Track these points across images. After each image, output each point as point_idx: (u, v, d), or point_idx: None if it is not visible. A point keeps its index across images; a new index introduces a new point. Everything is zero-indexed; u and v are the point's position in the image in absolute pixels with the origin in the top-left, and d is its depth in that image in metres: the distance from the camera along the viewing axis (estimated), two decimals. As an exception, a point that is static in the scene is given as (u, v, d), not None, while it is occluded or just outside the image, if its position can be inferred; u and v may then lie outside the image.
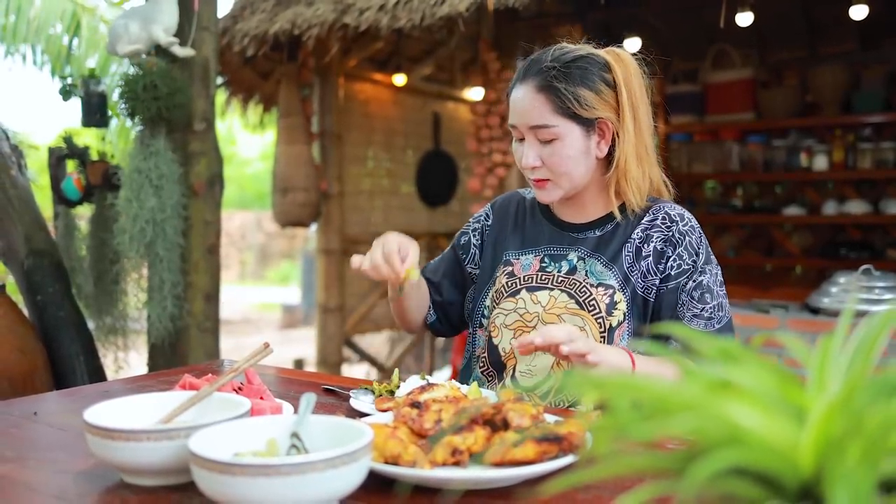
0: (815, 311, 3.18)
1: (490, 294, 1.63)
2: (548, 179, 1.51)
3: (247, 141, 16.96)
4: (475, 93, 5.35)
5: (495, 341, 1.57)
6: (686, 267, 1.50)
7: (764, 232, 5.31)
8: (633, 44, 4.94)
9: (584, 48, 1.52)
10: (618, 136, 1.49)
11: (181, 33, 3.05)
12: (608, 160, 1.53)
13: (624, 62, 1.50)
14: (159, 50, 3.01)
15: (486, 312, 1.63)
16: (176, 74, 2.99)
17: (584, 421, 1.05)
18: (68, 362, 2.99)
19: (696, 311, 1.49)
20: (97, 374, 3.07)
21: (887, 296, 2.99)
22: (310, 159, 4.82)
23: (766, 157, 5.10)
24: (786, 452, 0.46)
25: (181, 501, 0.95)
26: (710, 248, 1.55)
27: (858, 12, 4.09)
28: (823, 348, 0.52)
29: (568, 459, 0.99)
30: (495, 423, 1.05)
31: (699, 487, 0.44)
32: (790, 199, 5.18)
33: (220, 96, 5.12)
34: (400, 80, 5.24)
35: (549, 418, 1.12)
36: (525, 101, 1.49)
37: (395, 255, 1.43)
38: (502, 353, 1.55)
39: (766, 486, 0.47)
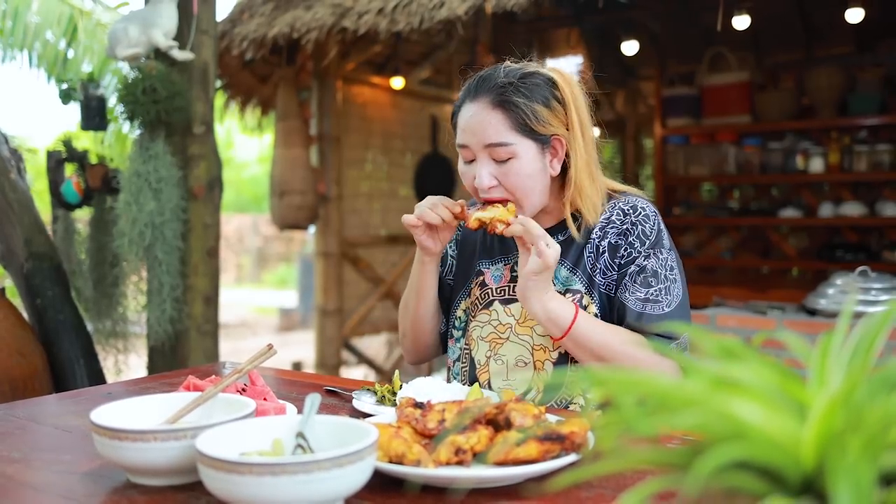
0: (812, 312, 3.19)
1: (461, 305, 1.62)
2: (506, 200, 1.47)
3: (243, 144, 16.96)
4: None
5: (473, 353, 1.56)
6: (635, 254, 1.48)
7: (760, 234, 5.33)
8: (630, 46, 4.96)
9: (531, 65, 1.49)
10: (569, 154, 1.47)
11: (180, 37, 3.06)
12: (560, 178, 1.51)
13: (567, 79, 1.48)
14: (158, 53, 3.02)
15: (457, 324, 1.62)
16: (175, 78, 3.00)
17: (586, 419, 1.07)
18: (68, 365, 2.99)
19: (638, 294, 1.45)
20: (97, 377, 3.07)
21: (884, 297, 3.01)
22: (307, 162, 4.83)
23: (762, 159, 5.12)
24: (788, 447, 0.47)
25: (188, 501, 0.96)
26: (665, 236, 1.51)
27: (854, 15, 4.12)
28: (824, 346, 0.54)
29: (571, 458, 1.00)
30: (498, 422, 1.06)
31: (704, 482, 0.45)
32: (786, 201, 5.20)
33: (219, 99, 5.13)
34: (398, 83, 5.25)
35: (551, 418, 1.13)
36: (479, 118, 1.44)
37: (446, 199, 1.48)
38: (477, 366, 1.55)
39: (768, 480, 0.48)
